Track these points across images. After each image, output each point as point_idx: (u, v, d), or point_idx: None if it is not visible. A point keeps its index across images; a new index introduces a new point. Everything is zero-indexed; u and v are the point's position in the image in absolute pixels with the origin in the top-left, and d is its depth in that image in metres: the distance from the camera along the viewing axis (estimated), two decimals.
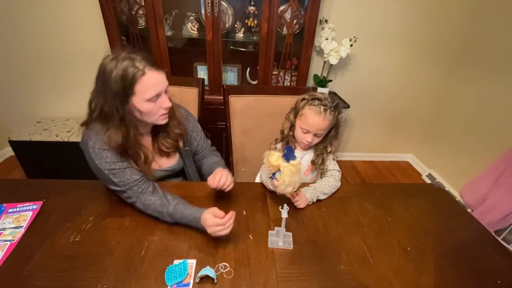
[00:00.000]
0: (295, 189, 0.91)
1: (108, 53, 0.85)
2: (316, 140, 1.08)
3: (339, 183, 1.11)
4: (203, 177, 1.20)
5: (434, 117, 2.48)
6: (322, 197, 1.05)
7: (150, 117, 0.90)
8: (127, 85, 0.81)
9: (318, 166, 1.14)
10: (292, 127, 1.13)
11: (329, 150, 1.13)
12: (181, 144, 1.05)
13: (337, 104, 1.06)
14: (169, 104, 0.90)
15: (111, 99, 0.83)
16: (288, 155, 0.88)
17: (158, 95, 0.87)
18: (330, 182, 1.08)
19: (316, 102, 1.03)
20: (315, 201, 1.03)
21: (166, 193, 0.92)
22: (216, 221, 0.80)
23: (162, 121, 0.94)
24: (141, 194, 0.90)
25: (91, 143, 0.87)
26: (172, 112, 0.98)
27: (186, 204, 0.89)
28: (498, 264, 0.84)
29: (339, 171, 1.13)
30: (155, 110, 0.89)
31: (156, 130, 1.02)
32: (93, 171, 0.92)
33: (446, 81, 2.33)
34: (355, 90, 2.33)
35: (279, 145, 1.17)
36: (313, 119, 1.03)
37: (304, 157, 1.16)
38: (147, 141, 1.02)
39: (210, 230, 0.80)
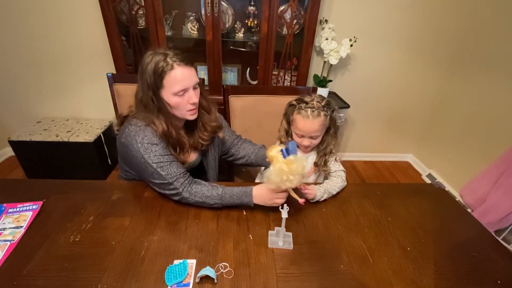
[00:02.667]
0: (279, 188, 0.85)
1: (150, 50, 0.92)
2: (315, 142, 1.08)
3: (345, 182, 1.11)
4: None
5: (434, 117, 2.48)
6: (328, 197, 1.05)
7: (178, 111, 0.94)
8: (157, 78, 0.87)
9: (321, 168, 1.13)
10: (287, 132, 1.13)
11: (329, 150, 1.12)
12: (220, 134, 1.10)
13: (327, 103, 1.04)
14: (195, 100, 0.93)
15: (147, 90, 0.90)
16: (288, 150, 0.82)
17: (185, 90, 0.91)
18: (338, 183, 1.08)
19: (303, 105, 1.02)
20: (320, 201, 1.03)
21: (213, 184, 0.96)
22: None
23: (191, 116, 0.97)
24: (188, 185, 0.93)
25: (139, 139, 0.91)
26: (207, 107, 1.05)
27: (236, 187, 0.93)
28: (498, 264, 0.84)
29: (343, 170, 1.14)
30: (182, 105, 0.93)
31: (193, 126, 1.05)
32: (135, 167, 0.96)
33: (446, 81, 2.33)
34: (355, 90, 2.33)
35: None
36: (303, 124, 1.02)
37: (307, 159, 1.16)
38: (183, 134, 1.05)
39: (269, 196, 0.87)
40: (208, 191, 0.92)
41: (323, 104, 1.02)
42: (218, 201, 0.91)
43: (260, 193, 0.90)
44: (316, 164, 1.14)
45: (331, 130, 1.10)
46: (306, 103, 1.02)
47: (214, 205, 0.92)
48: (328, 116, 1.04)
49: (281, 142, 1.17)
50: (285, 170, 0.80)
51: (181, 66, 0.88)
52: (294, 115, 1.05)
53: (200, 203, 0.93)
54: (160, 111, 0.93)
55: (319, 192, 1.01)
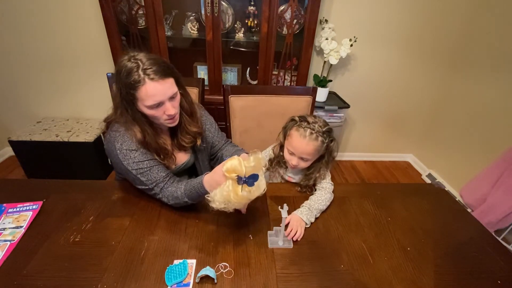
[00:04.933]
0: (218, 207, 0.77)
1: (125, 53, 0.86)
2: (303, 164, 1.02)
3: (332, 195, 1.04)
4: None
5: (434, 117, 2.48)
6: (318, 214, 0.98)
7: (156, 120, 0.93)
8: (130, 92, 0.84)
9: (307, 190, 1.08)
10: (282, 147, 1.09)
11: (315, 176, 1.05)
12: (199, 141, 1.07)
13: (328, 130, 0.99)
14: (171, 112, 0.89)
15: (121, 100, 0.88)
16: (247, 180, 0.74)
17: (159, 103, 0.87)
18: (322, 196, 1.01)
19: (304, 124, 0.98)
20: (313, 221, 0.94)
21: (183, 181, 0.94)
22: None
23: (169, 125, 0.95)
24: (165, 189, 0.92)
25: (118, 145, 0.90)
26: (190, 111, 1.02)
27: (193, 179, 0.89)
28: (498, 264, 0.84)
29: (331, 183, 1.07)
30: (158, 116, 0.89)
31: (175, 128, 1.02)
32: (120, 172, 0.96)
33: (446, 81, 2.33)
34: (355, 90, 2.33)
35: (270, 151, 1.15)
36: (297, 141, 0.98)
37: (297, 175, 1.13)
38: (166, 136, 1.03)
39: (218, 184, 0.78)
40: (175, 191, 0.90)
41: (324, 129, 0.98)
42: (186, 198, 0.88)
43: (210, 183, 0.82)
44: (300, 186, 1.09)
45: (324, 159, 1.04)
46: (308, 122, 0.98)
47: (188, 202, 0.89)
48: (325, 144, 0.99)
49: (274, 152, 1.14)
50: (232, 200, 0.74)
51: (154, 81, 0.82)
52: (291, 131, 1.01)
53: (178, 204, 0.91)
54: (135, 119, 0.90)
55: (304, 216, 0.92)
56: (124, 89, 0.84)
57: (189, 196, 0.88)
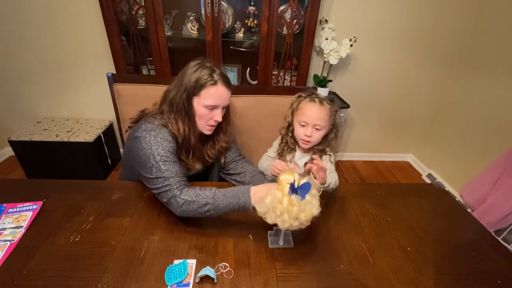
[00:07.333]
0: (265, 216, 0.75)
1: (198, 59, 1.01)
2: (316, 134, 1.04)
3: (337, 182, 1.04)
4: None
5: (434, 117, 2.49)
6: (329, 186, 0.98)
7: (200, 121, 1.00)
8: (198, 86, 0.94)
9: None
10: (289, 127, 1.12)
11: (323, 148, 1.10)
12: (223, 159, 1.15)
13: (332, 100, 1.09)
14: (219, 119, 1.00)
15: (182, 92, 0.96)
16: (298, 188, 0.73)
17: (215, 107, 0.98)
18: (334, 178, 1.01)
19: (312, 95, 1.07)
20: (326, 185, 0.95)
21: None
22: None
23: (207, 131, 1.03)
24: (184, 185, 0.88)
25: (154, 133, 0.93)
26: (225, 128, 1.11)
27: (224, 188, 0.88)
28: (498, 264, 0.84)
29: (336, 172, 1.07)
30: (206, 118, 0.99)
31: (204, 141, 1.09)
32: (140, 159, 0.91)
33: (446, 81, 2.33)
34: (355, 90, 2.33)
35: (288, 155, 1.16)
36: (309, 109, 1.04)
37: (302, 159, 1.15)
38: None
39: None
40: (200, 189, 0.86)
41: (329, 99, 1.08)
42: (210, 200, 0.83)
43: (259, 195, 0.81)
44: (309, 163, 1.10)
45: (333, 132, 1.10)
46: (315, 93, 1.08)
47: (206, 207, 0.83)
48: (333, 113, 1.06)
49: (282, 136, 1.16)
50: (280, 207, 0.71)
51: (223, 86, 0.97)
52: (301, 104, 1.07)
53: (189, 204, 0.84)
54: (187, 115, 0.97)
55: (328, 178, 0.96)
56: (191, 84, 0.94)
57: (218, 199, 0.83)
